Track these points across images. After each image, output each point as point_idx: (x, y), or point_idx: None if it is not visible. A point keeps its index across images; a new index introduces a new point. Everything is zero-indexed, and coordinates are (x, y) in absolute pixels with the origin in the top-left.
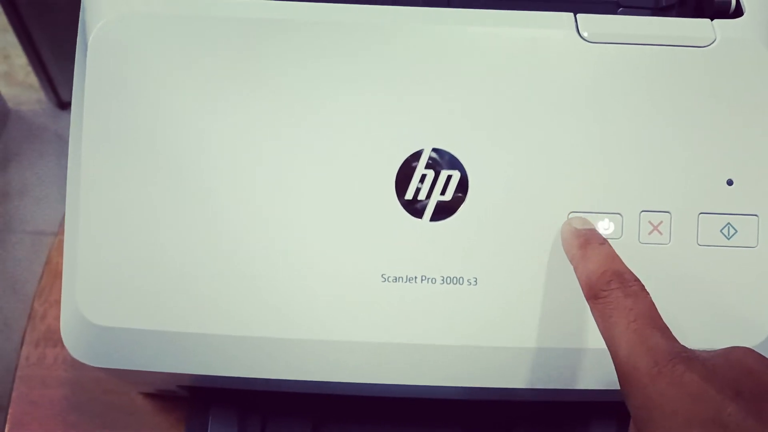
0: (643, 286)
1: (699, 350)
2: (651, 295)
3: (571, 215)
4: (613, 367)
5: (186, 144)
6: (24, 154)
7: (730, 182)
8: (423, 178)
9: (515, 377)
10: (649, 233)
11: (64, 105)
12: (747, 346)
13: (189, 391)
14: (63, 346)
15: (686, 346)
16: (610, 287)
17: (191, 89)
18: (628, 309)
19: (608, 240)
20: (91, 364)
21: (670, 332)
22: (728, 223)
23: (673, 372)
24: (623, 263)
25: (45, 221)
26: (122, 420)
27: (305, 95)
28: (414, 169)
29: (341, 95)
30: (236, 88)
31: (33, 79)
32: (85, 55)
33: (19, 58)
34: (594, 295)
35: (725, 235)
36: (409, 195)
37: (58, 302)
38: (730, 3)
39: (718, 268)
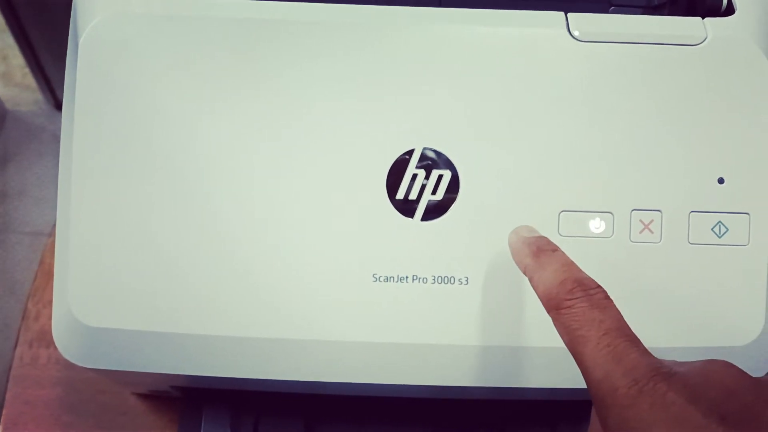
0: (606, 293)
1: (672, 362)
2: (642, 294)
3: (562, 214)
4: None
5: (177, 144)
6: (22, 154)
7: (721, 180)
8: (414, 177)
9: (507, 376)
10: (640, 232)
11: (62, 106)
12: (738, 345)
13: (182, 392)
14: (57, 347)
15: (678, 346)
16: (574, 296)
17: (183, 89)
18: (597, 321)
19: (599, 239)
20: (83, 365)
21: (642, 345)
22: (719, 222)
23: (654, 392)
24: (581, 270)
25: (43, 222)
26: (116, 420)
27: (296, 96)
28: (405, 168)
29: (332, 95)
30: (228, 88)
31: (30, 80)
32: (77, 55)
33: (17, 59)
34: (556, 306)
35: (716, 234)
36: (400, 195)
37: (51, 303)
38: (722, 1)
39: (709, 267)
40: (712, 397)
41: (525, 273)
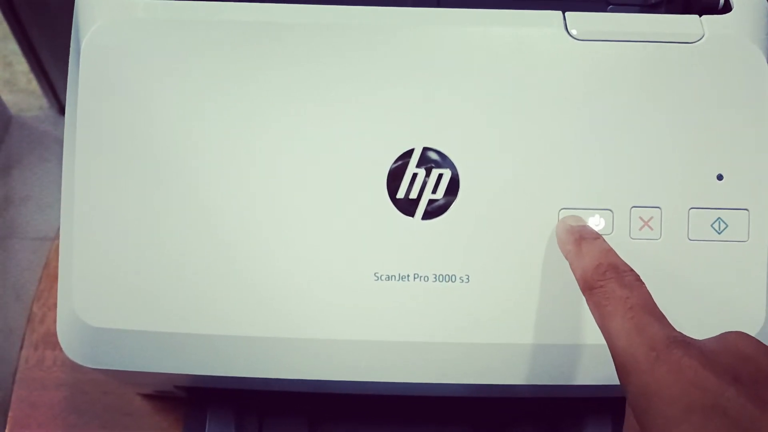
0: (638, 276)
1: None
2: None
3: (561, 212)
4: (610, 360)
5: (178, 146)
6: (26, 160)
7: (720, 177)
8: (414, 176)
9: (509, 373)
10: (640, 229)
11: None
12: None
13: (186, 392)
14: (62, 348)
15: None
16: (606, 278)
17: (184, 93)
18: (624, 299)
19: None
20: (88, 366)
21: (667, 320)
22: (719, 218)
23: (670, 357)
24: (618, 256)
25: (48, 227)
26: (121, 421)
27: (296, 97)
28: (405, 168)
29: (331, 96)
30: (229, 91)
31: (35, 85)
32: (78, 60)
33: (21, 65)
34: (589, 287)
35: (716, 230)
36: (400, 194)
37: (56, 305)
38: None
39: (708, 263)
40: (726, 362)
41: (566, 258)
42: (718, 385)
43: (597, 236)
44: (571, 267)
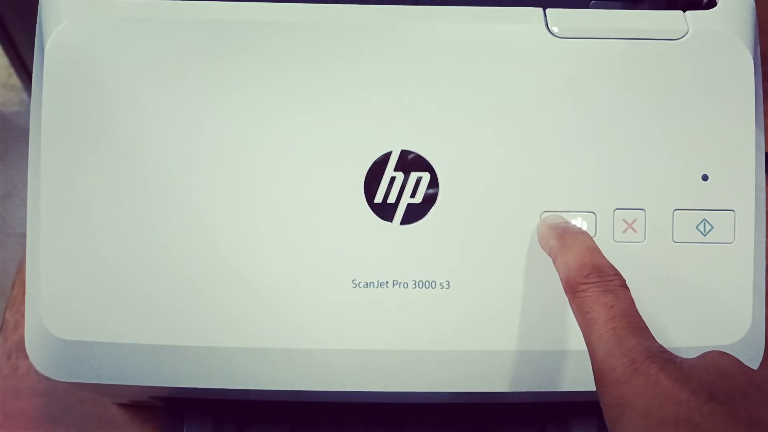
0: (623, 281)
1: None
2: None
3: (543, 215)
4: (590, 365)
5: (147, 150)
6: (8, 155)
7: (705, 177)
8: (392, 180)
9: (491, 381)
10: (624, 231)
11: None
12: (726, 343)
13: (163, 401)
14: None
15: (665, 346)
16: (589, 281)
17: (151, 94)
18: (608, 306)
19: None
20: (58, 379)
21: (649, 332)
22: (704, 219)
23: (648, 371)
24: (603, 256)
25: None
26: (97, 430)
27: (269, 98)
28: (383, 171)
29: (306, 97)
30: (198, 93)
31: (16, 80)
32: (43, 61)
33: (1, 59)
34: (572, 288)
35: (701, 232)
36: (378, 198)
37: None
38: None
39: (694, 265)
40: (703, 378)
41: (549, 254)
42: (693, 400)
43: (581, 231)
44: (554, 263)
